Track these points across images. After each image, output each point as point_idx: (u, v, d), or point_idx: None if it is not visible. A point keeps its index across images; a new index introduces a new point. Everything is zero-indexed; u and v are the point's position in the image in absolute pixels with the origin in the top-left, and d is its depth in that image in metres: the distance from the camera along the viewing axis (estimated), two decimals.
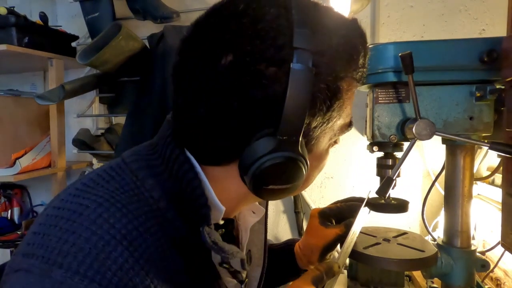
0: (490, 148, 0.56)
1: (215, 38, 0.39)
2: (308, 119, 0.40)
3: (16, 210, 1.61)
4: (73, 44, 1.43)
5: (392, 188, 0.63)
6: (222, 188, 0.45)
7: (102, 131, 1.46)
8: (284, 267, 0.73)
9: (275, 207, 1.35)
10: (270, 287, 0.74)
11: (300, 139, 0.39)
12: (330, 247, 0.66)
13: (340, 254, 0.60)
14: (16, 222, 1.59)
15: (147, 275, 0.37)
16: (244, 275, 0.54)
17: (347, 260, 0.81)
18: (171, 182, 0.43)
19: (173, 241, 0.42)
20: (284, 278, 0.74)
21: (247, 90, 0.38)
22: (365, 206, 0.66)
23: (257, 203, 0.58)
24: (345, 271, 0.85)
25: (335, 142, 0.49)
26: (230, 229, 0.52)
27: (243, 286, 0.54)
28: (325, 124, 0.42)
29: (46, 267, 0.35)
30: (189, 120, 0.42)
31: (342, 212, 0.69)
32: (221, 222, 0.48)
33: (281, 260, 0.73)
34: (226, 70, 0.38)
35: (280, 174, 0.40)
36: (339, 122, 0.44)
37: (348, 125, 0.47)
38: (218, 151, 0.42)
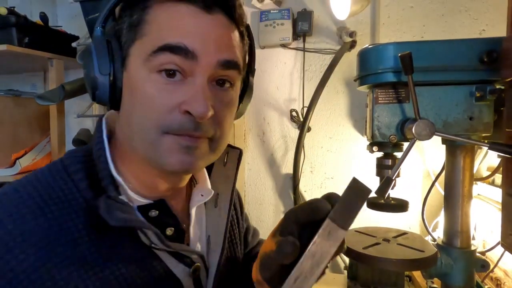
0: (490, 148, 0.56)
1: None
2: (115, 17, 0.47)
3: None
4: (73, 44, 1.42)
5: (392, 188, 0.63)
6: (121, 152, 0.48)
7: None
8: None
9: (275, 207, 1.35)
10: None
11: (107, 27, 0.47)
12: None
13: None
14: None
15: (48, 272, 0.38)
16: (194, 257, 0.50)
17: (347, 260, 0.81)
18: (92, 163, 0.46)
19: (95, 227, 0.43)
20: None
21: None
22: (367, 205, 0.67)
23: (209, 186, 0.56)
24: (345, 271, 0.85)
25: (160, 74, 0.44)
26: (165, 211, 0.50)
27: (190, 270, 0.50)
28: (129, 33, 0.47)
29: None
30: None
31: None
32: (144, 202, 0.48)
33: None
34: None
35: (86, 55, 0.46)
36: (148, 40, 0.44)
37: (161, 49, 0.43)
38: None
